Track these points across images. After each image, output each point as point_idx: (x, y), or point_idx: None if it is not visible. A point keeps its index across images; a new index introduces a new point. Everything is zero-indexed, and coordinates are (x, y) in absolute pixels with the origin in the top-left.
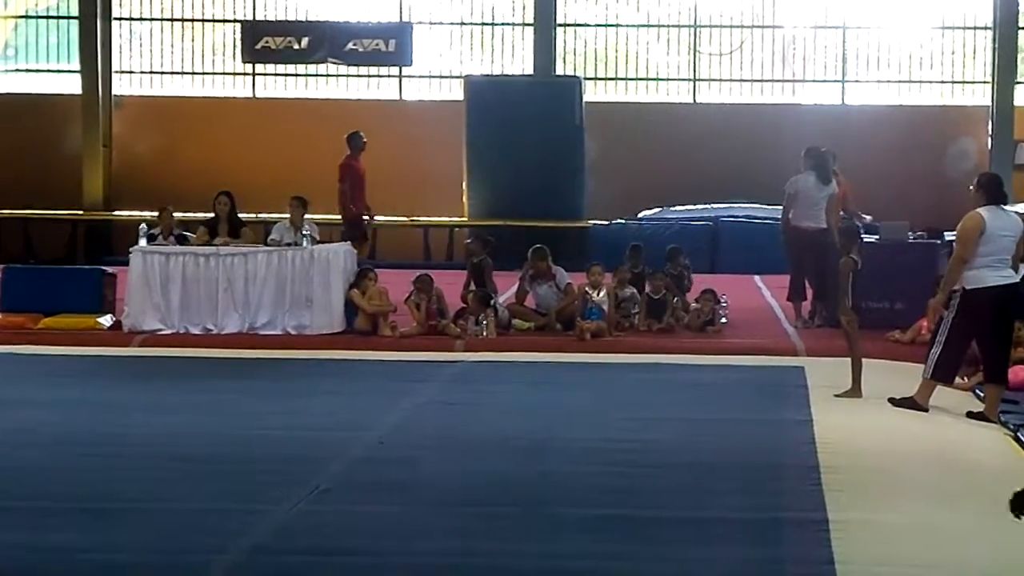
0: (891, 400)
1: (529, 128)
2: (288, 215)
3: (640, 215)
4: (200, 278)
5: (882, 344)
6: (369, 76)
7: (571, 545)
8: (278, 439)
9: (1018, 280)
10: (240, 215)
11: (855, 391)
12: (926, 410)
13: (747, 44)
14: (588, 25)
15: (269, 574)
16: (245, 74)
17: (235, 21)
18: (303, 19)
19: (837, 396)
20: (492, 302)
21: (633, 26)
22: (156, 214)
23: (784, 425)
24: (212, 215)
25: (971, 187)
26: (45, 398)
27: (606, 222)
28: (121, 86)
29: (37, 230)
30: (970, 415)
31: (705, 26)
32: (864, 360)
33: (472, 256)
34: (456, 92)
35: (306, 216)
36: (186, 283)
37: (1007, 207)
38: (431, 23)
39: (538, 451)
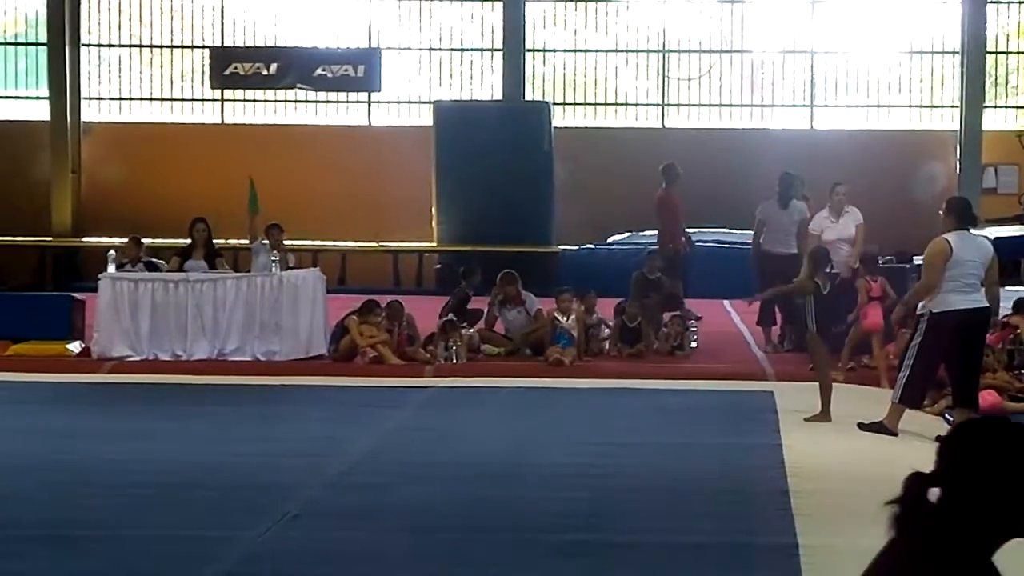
0: (860, 425)
1: (498, 153)
2: (267, 241)
3: (609, 240)
4: (169, 304)
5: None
6: (338, 102)
7: (542, 570)
8: (248, 465)
9: (986, 305)
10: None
11: (824, 415)
12: (895, 434)
13: (716, 69)
14: (557, 50)
15: None
16: (214, 100)
17: (204, 47)
18: (272, 45)
19: (807, 420)
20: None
21: (602, 51)
22: (125, 240)
23: (754, 450)
24: (187, 242)
25: (941, 211)
26: (13, 425)
27: (575, 247)
28: (90, 113)
29: (5, 257)
30: (940, 439)
31: (674, 51)
32: (834, 384)
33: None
34: (425, 117)
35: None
36: (155, 309)
37: (975, 231)
38: (400, 49)
39: (509, 476)
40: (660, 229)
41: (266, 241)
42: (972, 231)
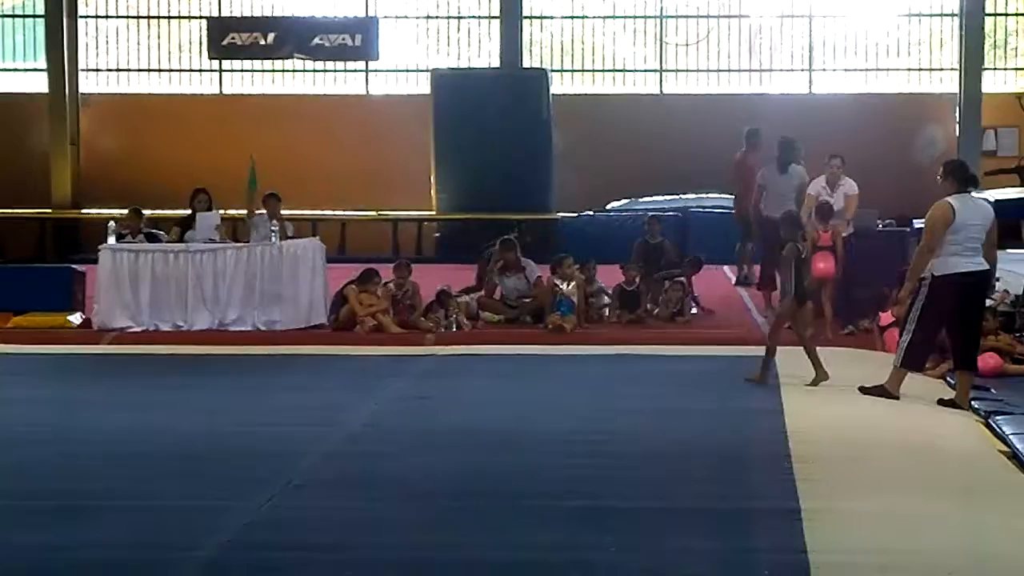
0: (861, 388)
1: (496, 121)
2: (265, 211)
3: (609, 207)
4: (169, 275)
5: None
6: (336, 71)
7: (544, 537)
8: (249, 435)
9: (987, 268)
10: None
11: (821, 375)
12: (897, 398)
13: (713, 34)
14: (554, 17)
15: (241, 570)
16: (212, 70)
17: (201, 17)
18: (269, 15)
19: (807, 386)
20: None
21: (599, 17)
22: (124, 211)
23: (755, 414)
24: (187, 212)
25: (938, 176)
26: (15, 396)
27: (574, 214)
28: (88, 84)
29: (5, 229)
30: (941, 402)
31: (671, 16)
32: (835, 349)
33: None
34: (423, 86)
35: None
36: (155, 280)
37: (975, 193)
38: (397, 17)
39: (510, 443)
40: (736, 194)
41: (263, 211)
42: (972, 193)
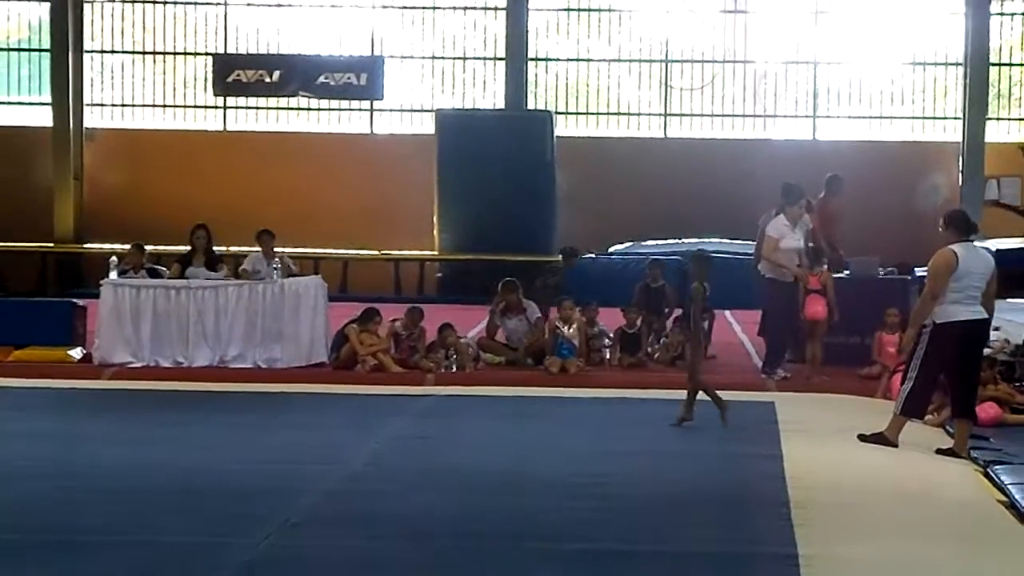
0: (861, 436)
1: (500, 162)
2: (259, 248)
3: (611, 249)
4: (171, 311)
5: (852, 380)
6: (340, 110)
7: None
8: (248, 472)
9: (987, 317)
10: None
11: (687, 414)
12: (896, 446)
13: (718, 79)
14: (559, 60)
15: None
16: (216, 107)
17: (207, 54)
18: (275, 52)
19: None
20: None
21: (604, 61)
22: (127, 247)
23: (754, 460)
24: (187, 248)
25: (940, 227)
26: (14, 431)
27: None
28: (92, 119)
29: (8, 262)
30: (940, 451)
31: (676, 61)
32: (835, 395)
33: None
34: (427, 126)
35: (276, 249)
36: (157, 316)
37: (977, 242)
38: (402, 57)
39: (510, 484)
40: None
41: (258, 249)
42: (975, 242)
